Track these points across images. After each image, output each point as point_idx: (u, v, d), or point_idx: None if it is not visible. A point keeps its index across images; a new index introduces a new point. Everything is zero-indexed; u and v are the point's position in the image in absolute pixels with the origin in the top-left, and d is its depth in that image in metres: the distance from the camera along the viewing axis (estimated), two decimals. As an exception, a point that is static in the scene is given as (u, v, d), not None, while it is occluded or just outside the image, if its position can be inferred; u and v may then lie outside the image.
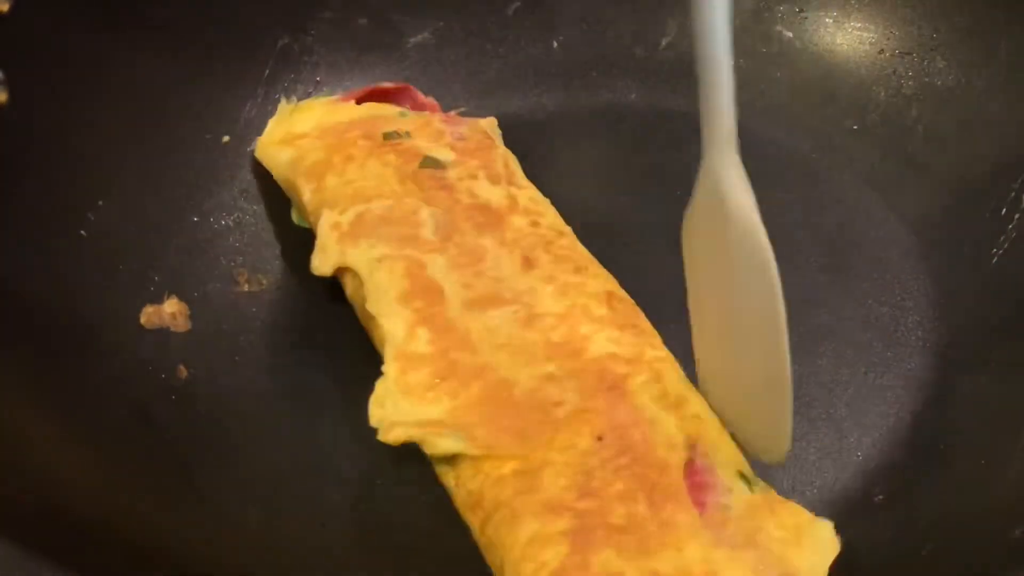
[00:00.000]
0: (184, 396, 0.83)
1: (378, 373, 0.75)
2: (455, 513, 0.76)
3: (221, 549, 0.74)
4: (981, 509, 0.73)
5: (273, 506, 0.78)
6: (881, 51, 0.97)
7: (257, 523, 0.77)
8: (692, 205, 0.73)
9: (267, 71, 0.99)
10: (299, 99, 0.99)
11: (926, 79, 0.95)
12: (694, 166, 0.95)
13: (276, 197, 0.93)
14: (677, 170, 0.95)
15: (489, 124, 0.90)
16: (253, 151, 0.95)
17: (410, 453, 0.80)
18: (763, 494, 0.70)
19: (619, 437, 0.70)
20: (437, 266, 0.78)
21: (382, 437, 0.72)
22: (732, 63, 0.72)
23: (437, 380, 0.73)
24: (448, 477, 0.73)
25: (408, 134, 0.86)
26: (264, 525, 0.77)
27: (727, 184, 0.71)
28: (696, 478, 0.69)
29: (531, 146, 0.94)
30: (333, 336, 0.86)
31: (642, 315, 0.78)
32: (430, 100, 0.94)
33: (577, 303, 0.76)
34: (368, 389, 0.76)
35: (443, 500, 0.78)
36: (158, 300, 0.86)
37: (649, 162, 0.96)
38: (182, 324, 0.86)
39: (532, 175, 0.87)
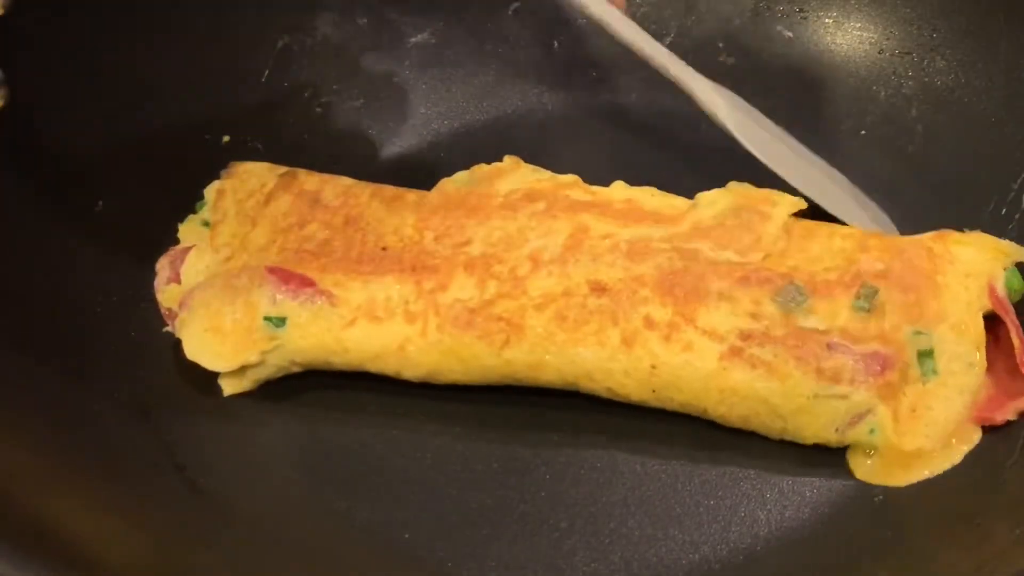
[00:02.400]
0: (182, 395, 0.84)
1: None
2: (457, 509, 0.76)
3: (218, 546, 0.75)
4: (981, 509, 0.73)
5: (269, 502, 0.78)
6: (881, 51, 0.97)
7: (253, 520, 0.77)
8: (731, 108, 0.90)
9: (267, 71, 0.99)
10: (298, 98, 1.00)
11: (926, 79, 0.95)
12: (693, 165, 0.95)
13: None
14: (677, 169, 0.96)
15: None
16: (252, 151, 0.95)
17: (411, 450, 0.81)
18: None
19: None
20: None
21: None
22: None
23: None
24: None
25: None
26: (259, 521, 0.77)
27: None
28: None
29: (531, 146, 0.94)
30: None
31: None
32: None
33: None
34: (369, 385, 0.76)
35: (443, 494, 0.78)
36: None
37: (649, 162, 0.96)
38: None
39: (532, 175, 0.87)
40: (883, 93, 0.96)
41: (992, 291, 0.77)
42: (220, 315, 0.82)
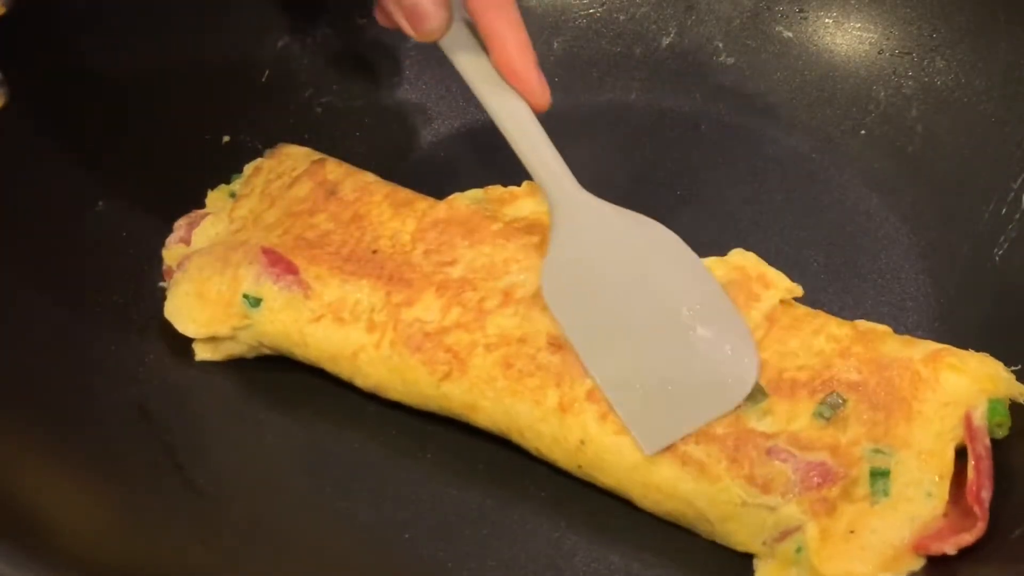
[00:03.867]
0: (182, 395, 0.84)
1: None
2: (456, 509, 0.76)
3: (217, 546, 0.75)
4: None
5: (269, 502, 0.78)
6: (881, 51, 0.97)
7: (253, 520, 0.77)
8: (555, 254, 0.78)
9: (267, 71, 0.99)
10: (298, 98, 1.00)
11: (926, 79, 0.95)
12: (693, 165, 0.95)
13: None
14: (676, 169, 0.96)
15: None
16: (252, 151, 0.95)
17: (411, 450, 0.81)
18: None
19: None
20: None
21: None
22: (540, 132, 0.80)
23: None
24: None
25: None
26: (259, 521, 0.77)
27: (607, 210, 0.79)
28: None
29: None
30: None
31: None
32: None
33: None
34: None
35: (443, 494, 0.78)
36: (159, 300, 0.86)
37: (648, 161, 0.97)
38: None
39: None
40: (883, 93, 0.96)
41: (968, 420, 0.70)
42: (208, 283, 0.83)
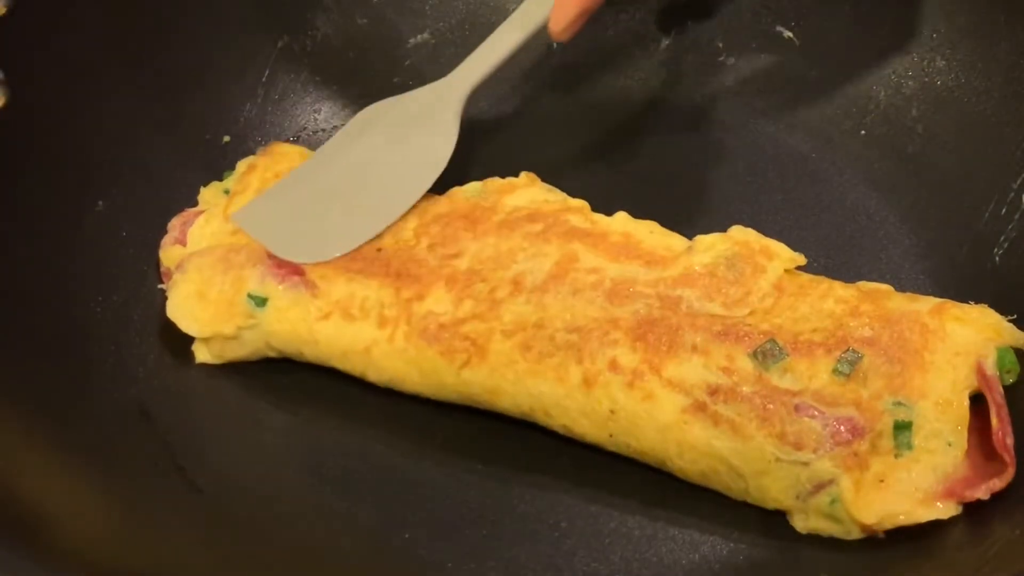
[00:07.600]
0: (183, 396, 0.84)
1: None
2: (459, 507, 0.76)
3: (218, 546, 0.75)
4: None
5: (269, 503, 0.78)
6: (881, 51, 0.97)
7: (253, 520, 0.77)
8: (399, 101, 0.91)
9: (267, 71, 0.99)
10: (298, 98, 1.00)
11: (926, 79, 0.95)
12: (693, 165, 0.95)
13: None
14: (677, 169, 0.96)
15: None
16: (252, 151, 0.95)
17: (410, 450, 0.81)
18: None
19: None
20: None
21: None
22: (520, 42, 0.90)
23: None
24: None
25: None
26: (259, 521, 0.77)
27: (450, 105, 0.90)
28: None
29: (530, 145, 0.94)
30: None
31: None
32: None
33: None
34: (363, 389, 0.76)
35: (443, 494, 0.78)
36: (159, 300, 0.86)
37: (648, 161, 0.96)
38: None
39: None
40: (883, 93, 0.96)
41: (980, 370, 0.73)
42: (210, 283, 0.83)
